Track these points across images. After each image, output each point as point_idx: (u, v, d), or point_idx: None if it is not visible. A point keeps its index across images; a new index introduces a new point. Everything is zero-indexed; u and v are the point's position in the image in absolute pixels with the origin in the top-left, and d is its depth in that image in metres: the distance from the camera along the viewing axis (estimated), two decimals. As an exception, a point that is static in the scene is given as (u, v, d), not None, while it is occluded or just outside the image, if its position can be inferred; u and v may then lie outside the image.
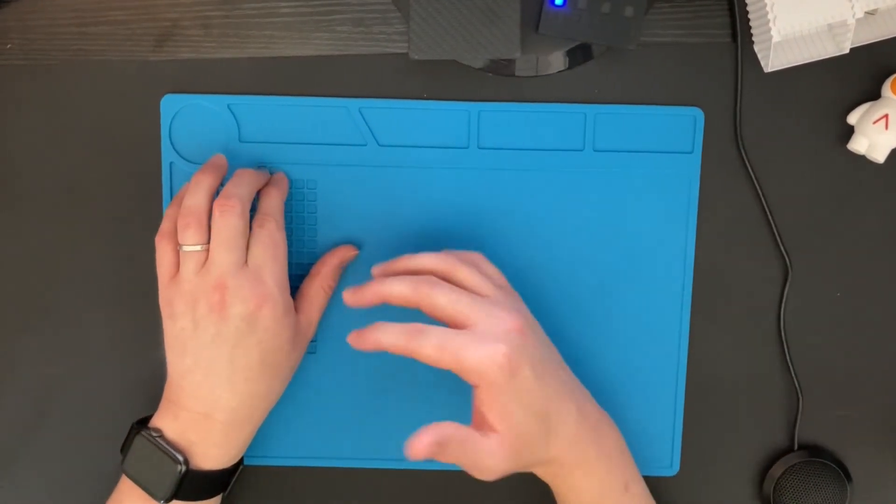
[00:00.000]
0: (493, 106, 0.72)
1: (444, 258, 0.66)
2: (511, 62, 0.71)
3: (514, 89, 0.72)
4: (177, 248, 0.67)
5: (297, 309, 0.69)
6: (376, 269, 0.67)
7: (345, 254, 0.71)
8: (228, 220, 0.65)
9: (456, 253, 0.67)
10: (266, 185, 0.69)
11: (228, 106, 0.72)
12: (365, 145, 0.72)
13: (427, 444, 0.59)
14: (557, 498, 0.69)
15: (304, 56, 0.72)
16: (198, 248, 0.65)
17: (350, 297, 0.65)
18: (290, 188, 0.72)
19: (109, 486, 0.74)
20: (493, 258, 0.69)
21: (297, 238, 0.72)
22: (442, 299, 0.63)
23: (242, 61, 0.72)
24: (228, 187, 0.66)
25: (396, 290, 0.64)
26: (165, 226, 0.68)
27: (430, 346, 0.61)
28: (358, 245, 0.72)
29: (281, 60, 0.72)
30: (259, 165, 0.72)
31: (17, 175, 0.72)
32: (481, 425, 0.62)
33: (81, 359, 0.74)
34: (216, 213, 0.65)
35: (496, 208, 0.72)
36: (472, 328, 0.62)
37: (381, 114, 0.72)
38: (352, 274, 0.72)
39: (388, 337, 0.62)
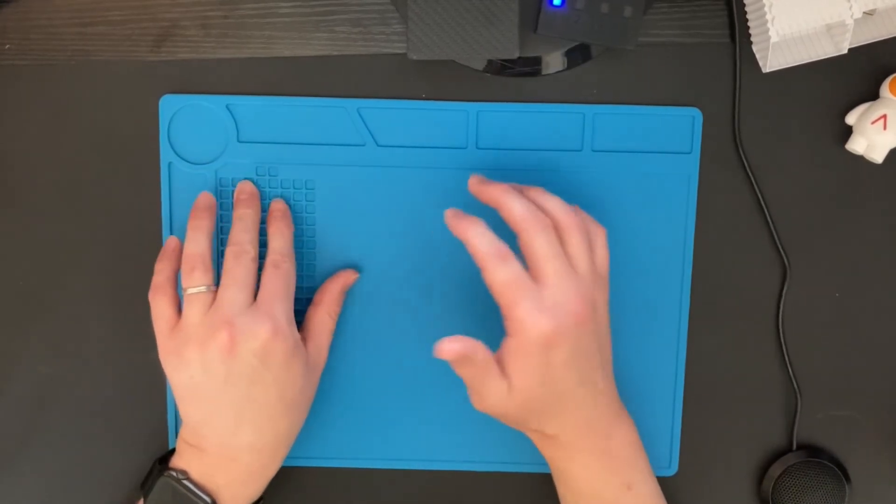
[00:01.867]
0: (492, 106, 0.72)
1: (570, 214, 0.64)
2: (510, 62, 0.71)
3: (512, 90, 0.72)
4: (174, 297, 0.67)
5: (304, 339, 0.68)
6: (504, 186, 0.65)
7: (346, 279, 0.71)
8: (243, 264, 0.66)
9: (584, 216, 0.66)
10: (273, 219, 0.70)
11: (227, 106, 0.72)
12: (363, 145, 0.72)
13: (455, 349, 0.61)
14: (554, 476, 0.69)
15: (303, 56, 0.72)
16: (203, 289, 0.65)
17: (475, 184, 0.65)
18: (290, 188, 0.72)
19: (108, 486, 0.74)
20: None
21: (296, 238, 0.72)
22: (540, 248, 0.62)
23: (241, 61, 0.72)
24: (238, 234, 0.67)
25: (516, 209, 0.63)
26: (158, 279, 0.67)
27: (501, 275, 0.61)
28: (358, 244, 0.72)
29: (280, 61, 0.72)
30: (254, 177, 0.72)
31: (16, 175, 0.73)
32: (498, 366, 0.63)
33: (81, 359, 0.74)
34: (231, 259, 0.66)
35: (496, 209, 0.72)
36: (543, 289, 0.62)
37: (380, 114, 0.72)
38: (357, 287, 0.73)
39: (477, 239, 0.62)
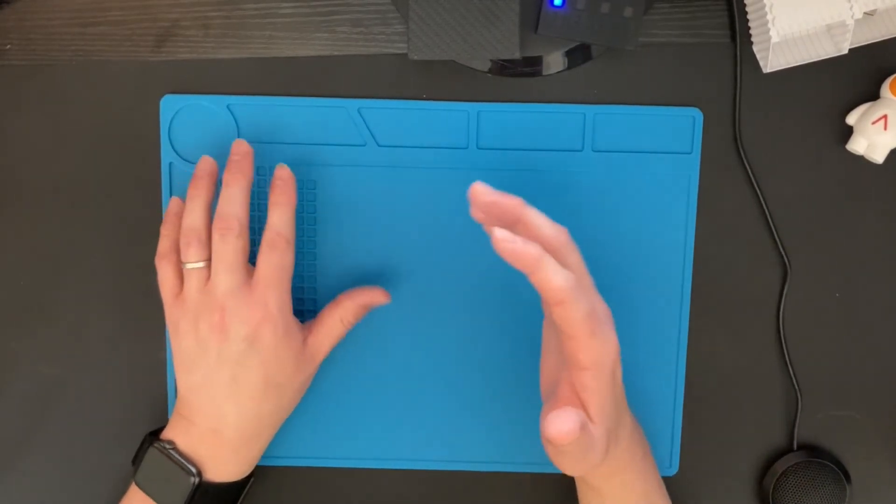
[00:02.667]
0: (493, 106, 0.72)
1: (559, 235, 0.59)
2: (510, 62, 0.71)
3: (513, 90, 0.72)
4: (178, 265, 0.67)
5: (310, 330, 0.68)
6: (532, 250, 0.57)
7: (375, 297, 0.69)
8: (228, 242, 0.64)
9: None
10: (273, 190, 0.66)
11: (228, 106, 0.72)
12: (364, 145, 0.72)
13: (574, 425, 0.56)
14: (583, 494, 0.69)
15: (304, 56, 0.72)
16: (200, 264, 0.65)
17: (500, 240, 0.56)
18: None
19: (109, 486, 0.74)
20: (492, 258, 0.69)
21: (296, 238, 0.72)
22: (558, 281, 0.56)
23: (242, 61, 0.72)
24: (224, 206, 0.65)
25: (557, 281, 0.56)
26: (163, 245, 0.68)
27: (584, 309, 0.57)
28: (358, 244, 0.72)
29: (280, 61, 0.72)
30: (255, 177, 0.72)
31: (17, 175, 0.73)
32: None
33: (81, 359, 0.74)
34: (216, 236, 0.65)
35: None
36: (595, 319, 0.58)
37: (381, 114, 0.72)
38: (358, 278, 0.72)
39: (554, 275, 0.56)
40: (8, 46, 0.72)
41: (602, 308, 0.59)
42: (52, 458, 0.74)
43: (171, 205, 0.69)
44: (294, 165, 0.71)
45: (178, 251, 0.67)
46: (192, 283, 0.66)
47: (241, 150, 0.67)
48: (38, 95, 0.72)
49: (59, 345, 0.74)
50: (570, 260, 0.59)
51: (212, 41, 0.72)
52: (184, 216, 0.66)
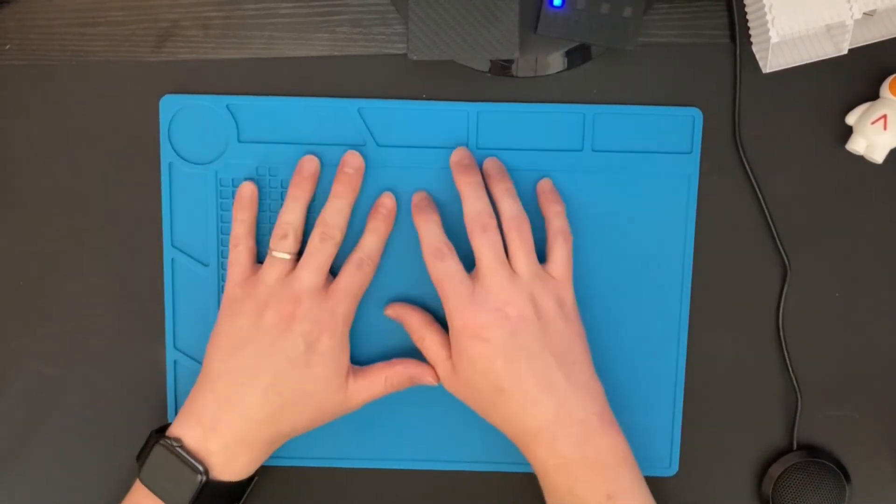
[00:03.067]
0: (492, 106, 0.72)
1: (516, 218, 0.68)
2: (510, 63, 0.71)
3: (512, 90, 0.72)
4: (252, 248, 0.70)
5: (356, 374, 0.69)
6: (472, 179, 0.69)
7: (426, 377, 0.70)
8: (326, 247, 0.68)
9: (556, 222, 0.70)
10: (374, 215, 0.70)
11: (227, 106, 0.72)
12: (364, 145, 0.72)
13: (391, 313, 0.71)
14: (540, 483, 0.69)
15: (304, 56, 0.72)
16: (287, 257, 0.68)
17: (456, 162, 0.70)
18: (289, 188, 0.72)
19: (109, 486, 0.74)
20: (492, 258, 0.69)
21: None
22: (480, 248, 0.67)
23: (242, 62, 0.72)
24: (330, 214, 0.69)
25: (469, 207, 0.68)
26: (239, 230, 0.70)
27: (436, 272, 0.67)
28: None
29: (280, 61, 0.72)
30: (255, 177, 0.72)
31: (17, 175, 0.73)
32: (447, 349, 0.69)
33: (82, 359, 0.74)
34: (316, 237, 0.68)
35: (495, 209, 0.72)
36: (476, 286, 0.67)
37: (380, 114, 0.72)
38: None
39: (424, 234, 0.69)
40: (8, 46, 0.72)
41: (497, 287, 0.66)
42: (52, 458, 0.74)
43: (244, 190, 0.70)
44: (294, 165, 0.72)
45: (253, 233, 0.70)
46: (274, 272, 0.68)
47: (354, 163, 0.70)
48: (38, 95, 0.72)
49: (59, 345, 0.74)
50: (512, 245, 0.68)
51: (212, 41, 0.72)
52: (283, 211, 0.69)
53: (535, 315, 0.66)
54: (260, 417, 0.67)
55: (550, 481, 0.67)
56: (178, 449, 0.66)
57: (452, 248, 0.68)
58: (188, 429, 0.67)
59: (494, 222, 0.68)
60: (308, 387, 0.67)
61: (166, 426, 0.69)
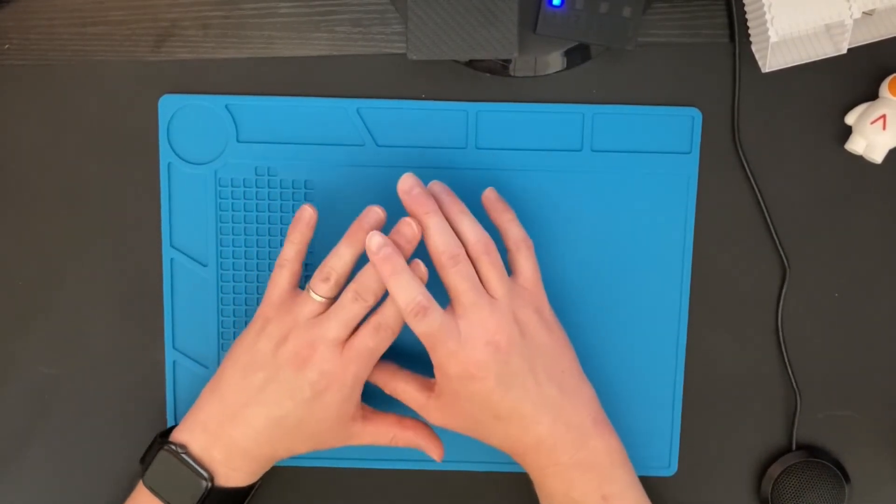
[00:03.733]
0: (491, 106, 0.72)
1: (478, 242, 0.66)
2: (509, 62, 0.71)
3: (512, 90, 0.72)
4: (296, 274, 0.68)
5: (365, 417, 0.69)
6: (427, 205, 0.66)
7: (432, 449, 0.70)
8: (355, 307, 0.66)
9: (511, 228, 0.68)
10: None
11: (226, 106, 0.72)
12: (363, 145, 0.72)
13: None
14: (535, 489, 0.69)
15: (303, 56, 0.72)
16: (322, 300, 0.66)
17: (406, 192, 0.66)
18: (289, 188, 0.72)
19: (108, 486, 0.74)
20: (491, 258, 0.69)
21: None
22: (454, 283, 0.65)
23: (241, 61, 0.72)
24: (370, 279, 0.65)
25: (432, 241, 0.65)
26: (288, 251, 0.68)
27: (420, 329, 0.64)
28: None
29: (279, 61, 0.72)
30: (253, 176, 0.72)
31: (16, 175, 0.73)
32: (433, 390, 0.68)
33: (81, 359, 0.74)
34: (350, 295, 0.66)
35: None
36: (459, 322, 0.65)
37: (379, 114, 0.72)
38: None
39: (399, 290, 0.64)
40: (7, 46, 0.72)
41: (480, 320, 0.65)
42: (52, 458, 0.74)
43: (304, 213, 0.68)
44: (293, 165, 0.72)
45: (300, 261, 0.68)
46: (305, 310, 0.66)
47: (407, 233, 0.66)
48: (38, 95, 0.72)
49: (59, 345, 0.74)
50: (482, 269, 0.66)
51: (211, 41, 0.72)
52: (333, 254, 0.66)
53: (520, 335, 0.65)
54: (262, 439, 0.67)
55: (547, 486, 0.67)
56: (184, 455, 0.66)
57: (429, 295, 0.65)
58: (194, 435, 0.67)
59: (462, 251, 0.65)
60: (309, 426, 0.67)
61: (170, 430, 0.69)
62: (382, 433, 0.69)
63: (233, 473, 0.67)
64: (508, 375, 0.65)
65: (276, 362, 0.66)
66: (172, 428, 0.69)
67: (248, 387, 0.66)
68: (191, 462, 0.66)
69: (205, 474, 0.66)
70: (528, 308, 0.67)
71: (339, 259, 0.66)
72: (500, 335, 0.64)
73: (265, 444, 0.67)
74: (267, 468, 0.69)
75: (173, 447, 0.67)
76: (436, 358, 0.65)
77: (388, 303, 0.66)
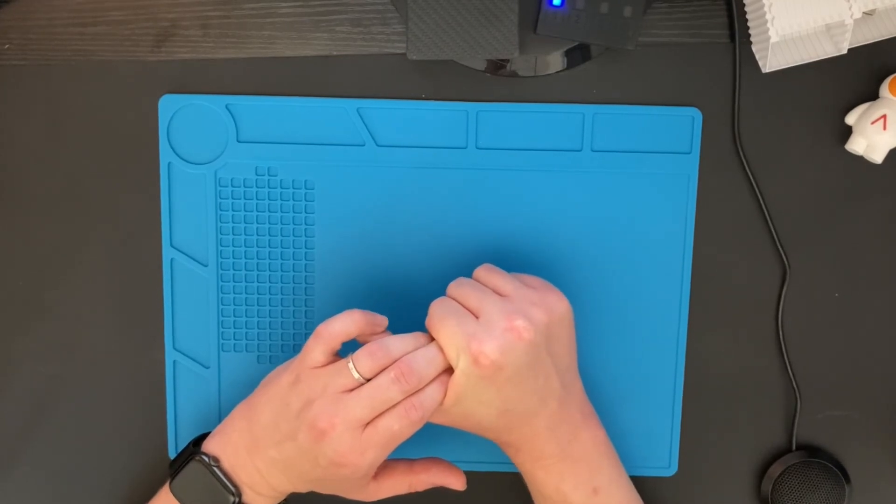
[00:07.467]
0: (492, 106, 0.72)
1: (488, 270, 0.67)
2: (509, 62, 0.71)
3: (512, 89, 0.72)
4: (333, 351, 0.65)
5: (378, 475, 0.68)
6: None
7: (454, 482, 0.69)
8: (390, 392, 0.63)
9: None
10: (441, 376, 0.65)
11: (227, 106, 0.72)
12: (363, 145, 0.72)
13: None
14: (525, 481, 0.69)
15: (303, 56, 0.72)
16: (359, 378, 0.63)
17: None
18: (289, 188, 0.72)
19: (108, 486, 0.74)
20: (491, 258, 0.69)
21: (295, 238, 0.72)
22: (468, 296, 0.65)
23: (241, 61, 0.72)
24: (420, 358, 0.64)
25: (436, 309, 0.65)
26: (337, 328, 0.65)
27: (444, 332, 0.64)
28: (357, 244, 0.72)
29: (279, 60, 0.72)
30: (254, 177, 0.72)
31: (16, 175, 0.73)
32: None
33: (82, 359, 0.74)
34: (390, 373, 0.63)
35: (494, 209, 0.72)
36: (483, 321, 0.63)
37: (380, 114, 0.72)
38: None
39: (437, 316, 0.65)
40: (7, 46, 0.72)
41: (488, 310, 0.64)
42: (52, 458, 0.74)
43: (375, 317, 0.66)
44: (293, 165, 0.72)
45: (341, 342, 0.65)
46: (338, 382, 0.64)
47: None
48: (38, 95, 0.72)
49: (59, 345, 0.74)
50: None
51: (211, 41, 0.72)
52: (393, 337, 0.65)
53: (534, 326, 0.64)
54: (283, 479, 0.66)
55: (538, 480, 0.67)
56: (216, 469, 0.66)
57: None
58: (226, 452, 0.67)
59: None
60: (326, 483, 0.66)
61: (202, 437, 0.68)
62: (397, 485, 0.69)
63: (258, 497, 0.67)
64: (525, 366, 0.63)
65: (298, 423, 0.64)
66: (205, 435, 0.69)
67: (274, 432, 0.65)
68: (221, 477, 0.66)
69: (233, 490, 0.66)
70: (538, 303, 0.65)
71: (399, 344, 0.64)
72: (518, 319, 0.63)
73: (287, 484, 0.67)
74: (295, 489, 0.68)
75: (206, 459, 0.66)
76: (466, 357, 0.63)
77: (428, 387, 0.64)
